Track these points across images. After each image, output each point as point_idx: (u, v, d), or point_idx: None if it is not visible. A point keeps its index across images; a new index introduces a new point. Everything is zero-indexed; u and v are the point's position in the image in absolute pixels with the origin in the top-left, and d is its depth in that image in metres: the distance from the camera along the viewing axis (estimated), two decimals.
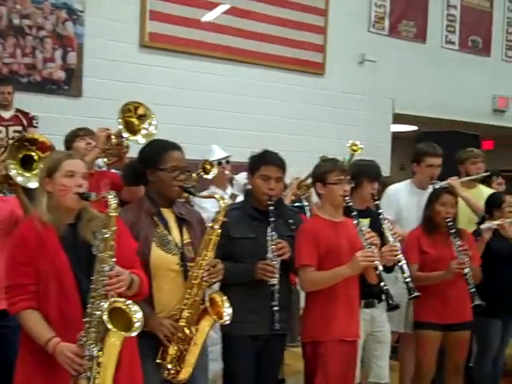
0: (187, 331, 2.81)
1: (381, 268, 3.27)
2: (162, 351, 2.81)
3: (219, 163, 5.06)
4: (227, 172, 5.10)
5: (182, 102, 7.08)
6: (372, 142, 7.72)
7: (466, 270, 3.86)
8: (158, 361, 2.81)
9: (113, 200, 2.43)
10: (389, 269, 3.63)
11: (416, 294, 3.56)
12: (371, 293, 3.58)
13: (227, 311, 2.84)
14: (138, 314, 2.32)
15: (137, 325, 2.30)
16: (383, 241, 3.57)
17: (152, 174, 2.93)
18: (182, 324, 2.81)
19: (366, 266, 3.22)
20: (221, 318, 2.83)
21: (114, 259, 2.39)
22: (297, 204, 4.84)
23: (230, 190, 5.10)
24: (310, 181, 4.68)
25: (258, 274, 3.10)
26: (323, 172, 3.43)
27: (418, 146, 4.83)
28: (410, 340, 4.30)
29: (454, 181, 4.84)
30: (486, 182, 5.55)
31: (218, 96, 7.35)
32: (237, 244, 3.21)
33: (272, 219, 3.19)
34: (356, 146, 5.01)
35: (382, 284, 3.26)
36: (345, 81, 8.44)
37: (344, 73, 8.42)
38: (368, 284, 3.39)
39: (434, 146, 4.71)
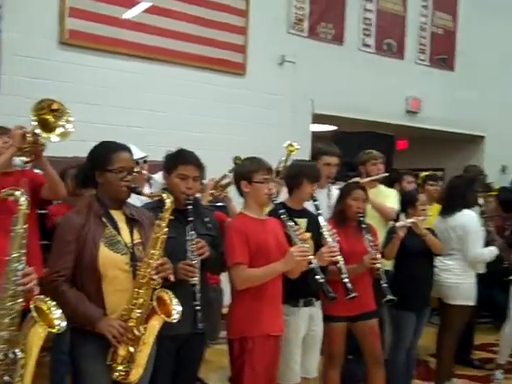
0: (136, 331, 2.80)
1: (315, 261, 3.39)
2: (113, 352, 2.80)
3: (137, 163, 5.02)
4: (145, 172, 5.08)
5: (100, 100, 6.98)
6: (292, 141, 7.87)
7: (379, 265, 4.02)
8: (108, 362, 2.79)
9: (22, 197, 2.42)
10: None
11: (353, 294, 3.71)
12: (310, 291, 3.66)
13: (176, 309, 2.83)
14: (57, 312, 2.33)
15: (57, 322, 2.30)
16: (319, 241, 3.69)
17: (100, 176, 2.95)
18: (131, 324, 2.81)
19: (301, 261, 3.30)
20: (169, 316, 2.82)
21: (24, 257, 2.37)
22: (219, 204, 4.89)
23: (148, 190, 5.08)
24: (226, 181, 4.74)
25: (180, 274, 3.11)
26: (249, 171, 3.48)
27: (316, 145, 4.96)
28: None
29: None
30: (397, 181, 5.79)
31: (137, 94, 7.29)
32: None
33: (191, 218, 3.21)
34: (292, 146, 5.13)
35: (317, 277, 3.38)
36: (265, 81, 8.54)
37: (264, 73, 8.52)
38: (306, 282, 3.47)
39: (332, 145, 4.85)
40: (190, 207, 3.25)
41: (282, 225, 3.50)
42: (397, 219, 4.86)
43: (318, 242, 3.75)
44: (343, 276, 3.70)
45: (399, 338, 4.73)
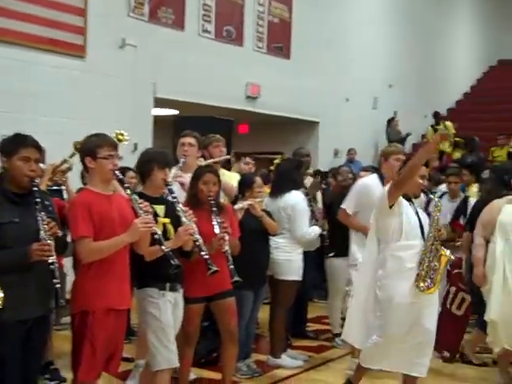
0: None
1: (159, 232, 3.51)
2: None
3: None
4: None
5: None
6: (134, 125, 7.87)
7: (226, 248, 4.16)
8: None
9: None
10: (188, 253, 3.88)
11: (215, 269, 3.83)
12: (174, 276, 3.70)
13: None
14: None
15: None
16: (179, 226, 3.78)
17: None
18: None
19: (145, 231, 3.40)
20: None
21: None
22: (55, 188, 4.81)
23: None
24: (66, 166, 4.69)
25: (35, 256, 3.09)
26: (94, 146, 3.47)
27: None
28: None
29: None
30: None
31: None
32: (1, 230, 3.15)
33: (38, 200, 3.20)
34: (122, 135, 5.13)
35: (163, 247, 3.50)
36: (106, 64, 8.43)
37: (105, 56, 8.41)
38: (168, 266, 3.54)
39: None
40: (35, 189, 3.24)
41: (128, 200, 3.56)
42: (235, 202, 5.04)
43: (178, 226, 3.84)
44: (203, 253, 3.82)
45: (239, 314, 4.92)
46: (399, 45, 14.71)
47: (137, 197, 3.54)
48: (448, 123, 12.81)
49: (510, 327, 4.35)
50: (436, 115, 12.99)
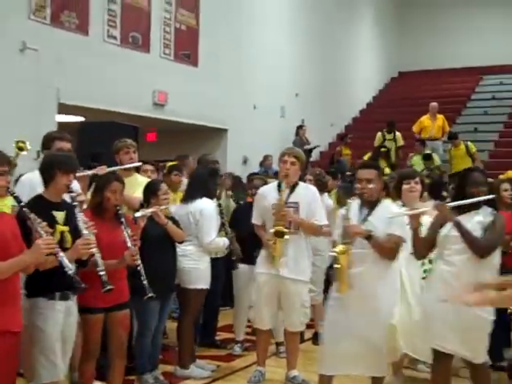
0: None
1: (62, 254, 3.37)
2: None
3: None
4: None
5: None
6: (37, 132, 7.53)
7: (138, 262, 4.09)
8: None
9: None
10: (84, 262, 3.74)
11: (109, 287, 3.75)
12: (65, 284, 3.58)
13: None
14: None
15: None
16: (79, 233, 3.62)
17: None
18: None
19: (47, 252, 3.25)
20: None
21: None
22: None
23: None
24: None
25: None
26: None
27: (48, 133, 4.91)
28: None
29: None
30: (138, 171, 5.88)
31: None
32: None
33: None
34: (24, 143, 4.93)
35: (66, 270, 3.37)
36: (6, 69, 8.11)
37: (5, 60, 8.09)
38: (60, 275, 3.41)
39: (63, 132, 4.88)
40: None
41: (17, 217, 3.41)
42: (140, 209, 4.95)
43: (77, 234, 3.71)
44: (98, 269, 3.72)
45: (144, 325, 4.85)
46: (304, 55, 15.00)
47: (36, 217, 3.39)
48: (398, 134, 12.85)
49: (408, 334, 4.46)
50: (390, 124, 12.95)
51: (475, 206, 4.07)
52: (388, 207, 4.36)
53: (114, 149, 5.51)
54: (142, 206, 4.96)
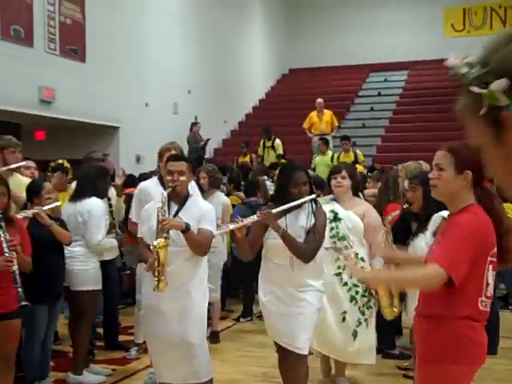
0: None
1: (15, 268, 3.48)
2: None
3: None
4: None
5: None
6: None
7: (14, 268, 3.86)
8: None
9: None
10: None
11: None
12: None
13: None
14: None
15: None
16: None
17: None
18: None
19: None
20: None
21: None
22: None
23: None
24: None
25: None
26: None
27: None
28: None
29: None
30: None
31: None
32: None
33: None
34: None
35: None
36: None
37: None
38: None
39: None
40: None
41: None
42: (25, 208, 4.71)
43: None
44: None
45: (32, 331, 4.65)
46: (196, 52, 14.94)
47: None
48: (278, 141, 12.87)
49: (321, 335, 4.51)
50: (266, 130, 12.94)
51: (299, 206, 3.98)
52: (198, 203, 4.13)
53: None
54: (25, 207, 4.73)
